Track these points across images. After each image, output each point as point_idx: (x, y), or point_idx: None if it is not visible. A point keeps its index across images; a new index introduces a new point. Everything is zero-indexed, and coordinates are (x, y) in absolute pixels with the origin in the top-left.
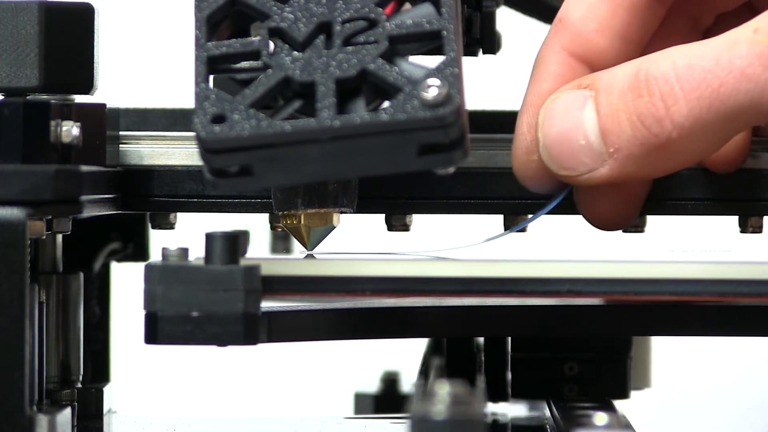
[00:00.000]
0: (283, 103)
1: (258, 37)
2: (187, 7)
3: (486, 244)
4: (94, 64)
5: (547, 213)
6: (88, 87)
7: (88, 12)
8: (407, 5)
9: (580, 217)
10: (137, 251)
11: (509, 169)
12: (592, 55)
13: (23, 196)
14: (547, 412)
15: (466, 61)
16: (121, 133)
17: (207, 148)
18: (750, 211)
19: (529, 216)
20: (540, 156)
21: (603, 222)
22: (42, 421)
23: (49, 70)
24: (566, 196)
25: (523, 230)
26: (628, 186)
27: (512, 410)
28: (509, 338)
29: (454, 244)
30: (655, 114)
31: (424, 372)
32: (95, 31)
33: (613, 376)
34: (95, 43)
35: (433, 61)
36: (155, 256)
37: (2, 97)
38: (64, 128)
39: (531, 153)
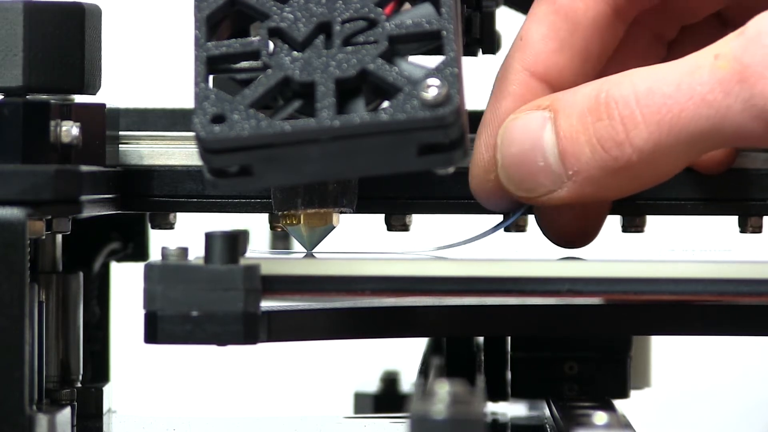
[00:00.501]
0: (282, 103)
1: (258, 37)
2: (187, 7)
3: (485, 244)
4: (92, 64)
5: (503, 229)
6: (79, 87)
7: (79, 11)
8: (407, 5)
9: None
10: (137, 251)
11: None
12: (552, 75)
13: (23, 196)
14: (547, 412)
15: (466, 61)
16: (121, 133)
17: (207, 148)
18: (750, 211)
19: (484, 231)
20: (497, 175)
21: (562, 239)
22: (42, 420)
23: (35, 70)
24: (525, 212)
25: (523, 229)
26: (588, 206)
27: (512, 410)
28: (509, 338)
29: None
30: (615, 137)
31: (424, 371)
32: (99, 31)
33: (613, 375)
34: (98, 43)
35: (433, 61)
36: (155, 255)
37: (2, 97)
38: (64, 128)
39: (488, 172)
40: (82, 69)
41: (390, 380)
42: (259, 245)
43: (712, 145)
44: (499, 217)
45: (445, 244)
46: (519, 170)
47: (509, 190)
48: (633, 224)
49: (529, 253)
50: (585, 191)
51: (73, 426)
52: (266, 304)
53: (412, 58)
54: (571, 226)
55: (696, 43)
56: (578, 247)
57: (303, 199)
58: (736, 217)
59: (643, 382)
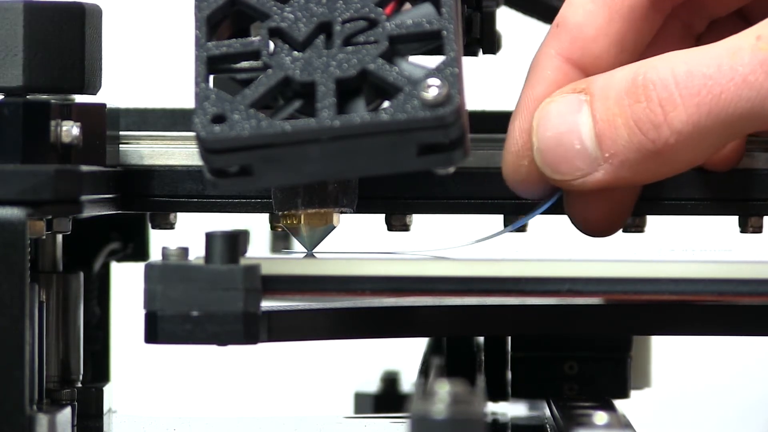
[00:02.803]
0: (283, 103)
1: (258, 37)
2: (187, 7)
3: (486, 244)
4: (92, 64)
5: (535, 216)
6: (79, 87)
7: (79, 11)
8: (407, 5)
9: None
10: (137, 251)
11: None
12: (587, 61)
13: (23, 196)
14: (547, 412)
15: (466, 61)
16: (121, 133)
17: (207, 148)
18: (750, 211)
19: (520, 218)
20: (531, 160)
21: (592, 228)
22: (42, 420)
23: (35, 70)
24: (557, 201)
25: (523, 228)
26: (618, 192)
27: (512, 410)
28: (509, 337)
29: (447, 245)
30: (653, 120)
31: (424, 371)
32: (100, 31)
33: (613, 375)
34: (98, 43)
35: (433, 61)
36: (155, 255)
37: (2, 97)
38: (64, 128)
39: (522, 157)
40: (82, 69)
41: (390, 380)
42: (259, 245)
43: (751, 127)
44: (499, 218)
45: (482, 237)
46: (555, 153)
47: (545, 174)
48: (633, 224)
49: (529, 253)
50: (621, 174)
51: (73, 426)
52: (266, 304)
53: (412, 58)
54: (600, 214)
55: (721, 38)
56: (605, 236)
57: (303, 199)
58: (737, 217)
59: (643, 382)
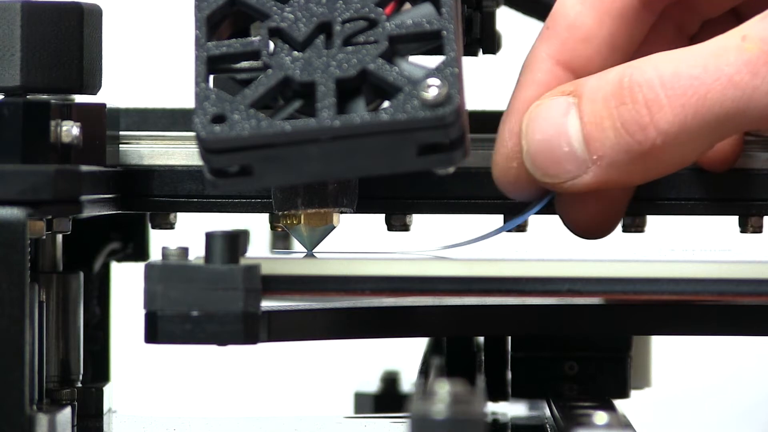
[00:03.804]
0: (283, 103)
1: (258, 37)
2: (187, 7)
3: (486, 244)
4: (92, 64)
5: (527, 218)
6: (77, 87)
7: (77, 11)
8: (407, 5)
9: None
10: (137, 251)
11: None
12: (578, 63)
13: (23, 196)
14: (547, 412)
15: (466, 61)
16: (121, 133)
17: (207, 148)
18: (750, 211)
19: (510, 221)
20: (520, 162)
21: (583, 229)
22: (42, 420)
23: (32, 69)
24: (548, 203)
25: (523, 228)
26: (610, 193)
27: (512, 410)
28: (509, 337)
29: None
30: (639, 121)
31: (424, 371)
32: (99, 31)
33: (613, 375)
34: (98, 43)
35: (433, 61)
36: (155, 255)
37: (2, 97)
38: (64, 128)
39: (512, 159)
40: (81, 69)
41: (390, 380)
42: (259, 245)
43: (737, 128)
44: (499, 218)
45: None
46: (544, 156)
47: (534, 176)
48: (633, 224)
49: (529, 253)
50: (609, 176)
51: (73, 426)
52: (266, 304)
53: (412, 58)
54: (592, 216)
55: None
56: (598, 238)
57: (303, 199)
58: (737, 217)
59: (643, 382)
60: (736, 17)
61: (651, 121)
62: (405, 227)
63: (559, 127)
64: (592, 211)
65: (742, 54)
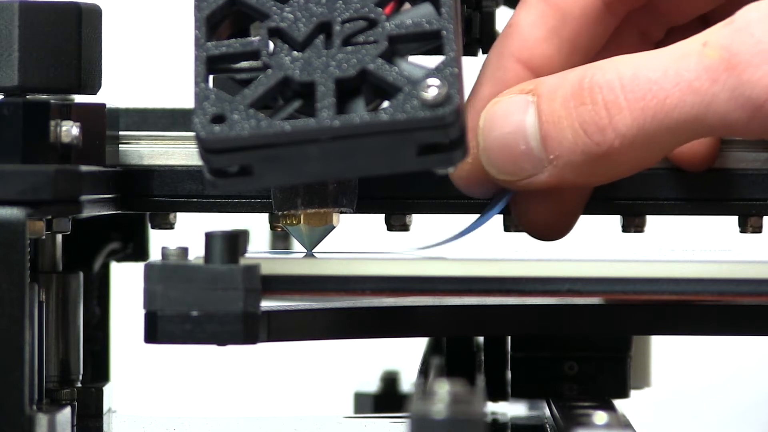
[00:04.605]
0: (282, 103)
1: (258, 37)
2: (187, 7)
3: (486, 243)
4: (90, 64)
5: (489, 220)
6: (76, 86)
7: (75, 11)
8: (407, 5)
9: (582, 217)
10: (137, 251)
11: None
12: (539, 63)
13: (23, 196)
14: (547, 412)
15: (466, 61)
16: (121, 133)
17: (207, 148)
18: (750, 211)
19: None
20: (475, 159)
21: (539, 230)
22: (42, 420)
23: (30, 69)
24: (508, 202)
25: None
26: (566, 193)
27: (512, 410)
28: (509, 337)
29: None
30: (598, 122)
31: (424, 371)
32: (99, 31)
33: (613, 375)
34: (97, 43)
35: (433, 61)
36: (155, 255)
37: (2, 97)
38: (64, 128)
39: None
40: (79, 69)
41: (390, 380)
42: (259, 245)
43: (696, 134)
44: (499, 217)
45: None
46: (500, 154)
47: (490, 173)
48: (633, 224)
49: (529, 253)
50: (565, 176)
51: (73, 426)
52: (266, 304)
53: (412, 58)
54: (547, 216)
55: None
56: (554, 239)
57: (303, 199)
58: (736, 217)
59: (643, 382)
60: (703, 25)
61: (609, 123)
62: (405, 227)
63: (517, 124)
64: (548, 212)
65: (702, 60)
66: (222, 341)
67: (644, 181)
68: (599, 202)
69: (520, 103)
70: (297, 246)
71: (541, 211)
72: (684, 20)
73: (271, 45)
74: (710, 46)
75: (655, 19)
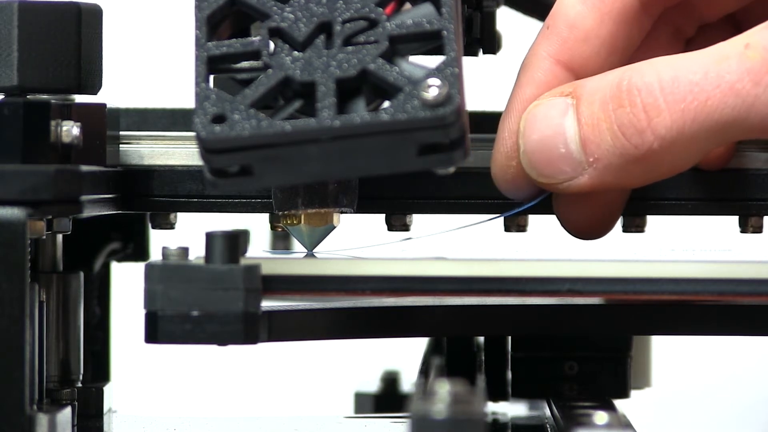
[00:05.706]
0: (283, 103)
1: (258, 37)
2: (187, 7)
3: (486, 243)
4: (90, 64)
5: (522, 213)
6: (75, 86)
7: (75, 11)
8: (407, 5)
9: None
10: (137, 251)
11: None
12: (577, 63)
13: (23, 196)
14: (547, 412)
15: (466, 61)
16: (121, 133)
17: (207, 148)
18: (750, 211)
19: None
20: (518, 162)
21: (580, 230)
22: (42, 420)
23: (29, 69)
24: (543, 201)
25: (523, 228)
26: (606, 195)
27: (512, 410)
28: (509, 337)
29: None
30: (637, 125)
31: (424, 371)
32: (99, 31)
33: (614, 375)
34: (97, 43)
35: (433, 61)
36: (155, 255)
37: (2, 97)
38: (64, 128)
39: (510, 158)
40: (79, 68)
41: (390, 380)
42: (259, 245)
43: (735, 135)
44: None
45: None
46: (540, 156)
47: (530, 176)
48: (633, 224)
49: (529, 253)
50: (605, 179)
51: (73, 426)
52: (266, 304)
53: (412, 58)
54: (588, 217)
55: (711, 43)
56: (594, 239)
57: (303, 199)
58: (737, 217)
59: (643, 382)
60: (733, 23)
61: (648, 126)
62: (405, 227)
63: (557, 128)
64: (589, 213)
65: (744, 62)
66: (222, 341)
67: None
68: None
69: (559, 106)
70: (297, 246)
71: (581, 212)
72: (716, 17)
73: (272, 45)
74: (753, 48)
75: (689, 16)
